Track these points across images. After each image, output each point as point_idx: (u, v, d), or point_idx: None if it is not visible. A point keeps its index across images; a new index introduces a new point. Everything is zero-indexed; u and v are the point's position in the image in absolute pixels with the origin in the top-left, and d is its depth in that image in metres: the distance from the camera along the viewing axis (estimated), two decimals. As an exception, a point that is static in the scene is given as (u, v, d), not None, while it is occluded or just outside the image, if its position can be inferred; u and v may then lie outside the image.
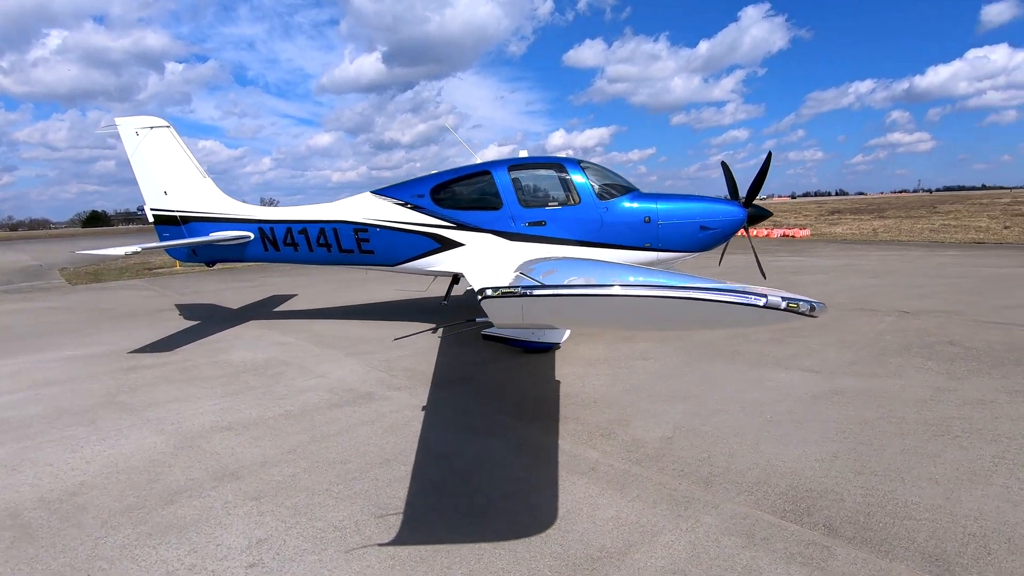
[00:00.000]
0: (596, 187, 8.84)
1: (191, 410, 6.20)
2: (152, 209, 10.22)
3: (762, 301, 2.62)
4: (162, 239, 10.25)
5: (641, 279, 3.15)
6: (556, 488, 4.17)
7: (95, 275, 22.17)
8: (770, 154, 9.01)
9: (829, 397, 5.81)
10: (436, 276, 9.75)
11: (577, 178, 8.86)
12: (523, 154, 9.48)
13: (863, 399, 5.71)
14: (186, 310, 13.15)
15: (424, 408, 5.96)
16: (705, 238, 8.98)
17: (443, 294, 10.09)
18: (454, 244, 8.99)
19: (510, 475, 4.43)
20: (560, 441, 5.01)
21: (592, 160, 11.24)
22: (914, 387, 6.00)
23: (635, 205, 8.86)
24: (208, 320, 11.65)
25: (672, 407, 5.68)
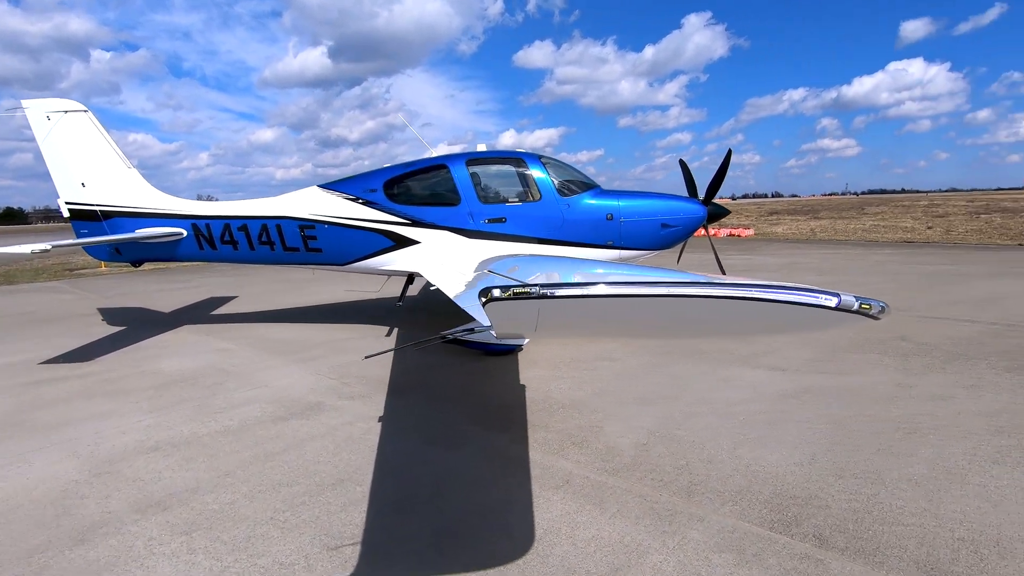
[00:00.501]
0: (557, 183, 8.57)
1: (111, 429, 5.48)
2: (67, 203, 9.19)
3: (834, 302, 2.27)
4: (79, 236, 9.23)
5: (668, 277, 2.58)
6: (531, 506, 3.83)
7: (6, 277, 20.14)
8: (730, 152, 9.02)
9: (798, 396, 5.74)
10: (390, 276, 9.22)
11: (538, 174, 8.56)
12: (481, 148, 9.10)
13: (830, 397, 5.67)
14: (110, 314, 12.00)
15: (381, 419, 5.49)
16: (666, 236, 8.88)
17: (398, 294, 9.58)
18: (409, 242, 8.50)
19: (479, 492, 4.05)
20: (531, 451, 4.67)
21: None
22: (876, 384, 6.03)
23: (597, 202, 8.65)
24: (135, 325, 10.64)
25: (644, 411, 5.46)
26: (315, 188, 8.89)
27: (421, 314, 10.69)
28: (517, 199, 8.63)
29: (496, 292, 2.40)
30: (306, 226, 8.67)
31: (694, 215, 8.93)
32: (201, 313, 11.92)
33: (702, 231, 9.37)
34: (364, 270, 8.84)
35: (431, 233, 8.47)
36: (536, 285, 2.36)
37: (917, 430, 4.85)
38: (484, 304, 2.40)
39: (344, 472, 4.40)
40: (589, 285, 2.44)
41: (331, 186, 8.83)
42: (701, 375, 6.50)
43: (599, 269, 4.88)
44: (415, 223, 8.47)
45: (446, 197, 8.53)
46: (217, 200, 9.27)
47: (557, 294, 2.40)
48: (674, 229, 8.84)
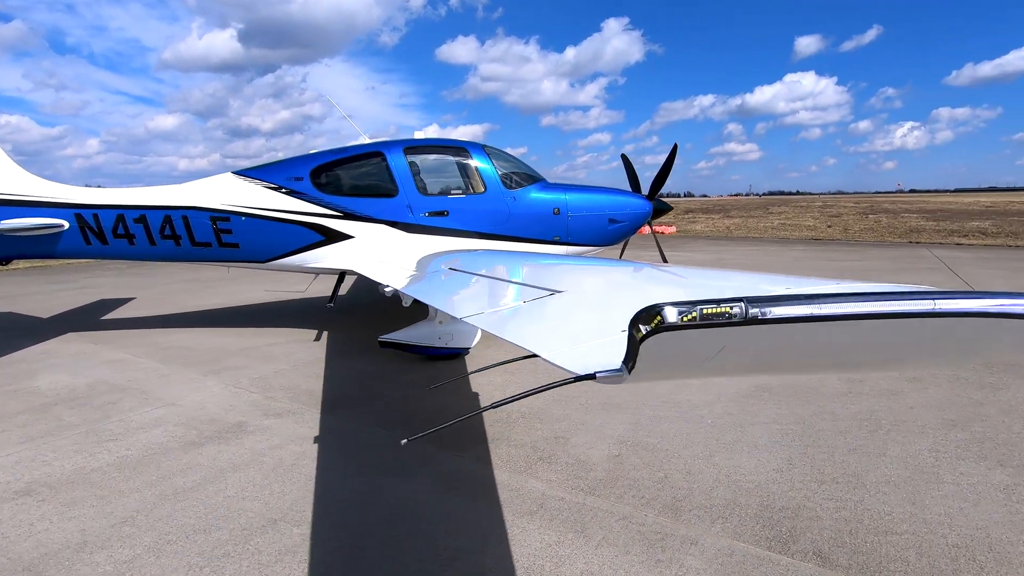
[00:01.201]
0: (503, 175, 8.09)
1: (-34, 468, 4.38)
2: (-92, 187, 7.54)
3: None
4: (-74, 227, 7.61)
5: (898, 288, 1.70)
6: (506, 539, 3.33)
7: None
8: (675, 147, 8.93)
9: (758, 395, 5.63)
10: (319, 274, 8.35)
11: (482, 164, 8.03)
12: (419, 135, 8.44)
13: (789, 395, 5.60)
14: (-28, 321, 10.14)
15: (317, 440, 4.77)
16: (614, 231, 8.66)
17: (328, 294, 8.70)
18: (341, 236, 7.69)
19: (444, 526, 3.50)
20: (496, 471, 4.17)
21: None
22: (829, 380, 6.06)
23: (544, 196, 8.26)
24: (5, 335, 9.01)
25: (609, 417, 5.11)
26: (230, 175, 7.85)
27: (354, 316, 9.85)
28: (460, 191, 8.06)
29: (670, 315, 1.43)
30: (219, 218, 7.62)
31: (640, 210, 8.77)
32: (89, 318, 10.33)
33: (646, 228, 9.26)
34: (289, 267, 7.93)
35: (366, 227, 7.71)
36: (740, 302, 1.45)
37: (879, 426, 4.83)
38: (644, 337, 1.45)
39: (277, 510, 3.68)
40: (821, 300, 1.48)
41: (249, 173, 7.83)
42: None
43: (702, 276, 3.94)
44: (347, 216, 7.68)
45: (382, 188, 7.80)
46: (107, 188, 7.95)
47: (771, 316, 1.45)
48: (621, 224, 8.63)
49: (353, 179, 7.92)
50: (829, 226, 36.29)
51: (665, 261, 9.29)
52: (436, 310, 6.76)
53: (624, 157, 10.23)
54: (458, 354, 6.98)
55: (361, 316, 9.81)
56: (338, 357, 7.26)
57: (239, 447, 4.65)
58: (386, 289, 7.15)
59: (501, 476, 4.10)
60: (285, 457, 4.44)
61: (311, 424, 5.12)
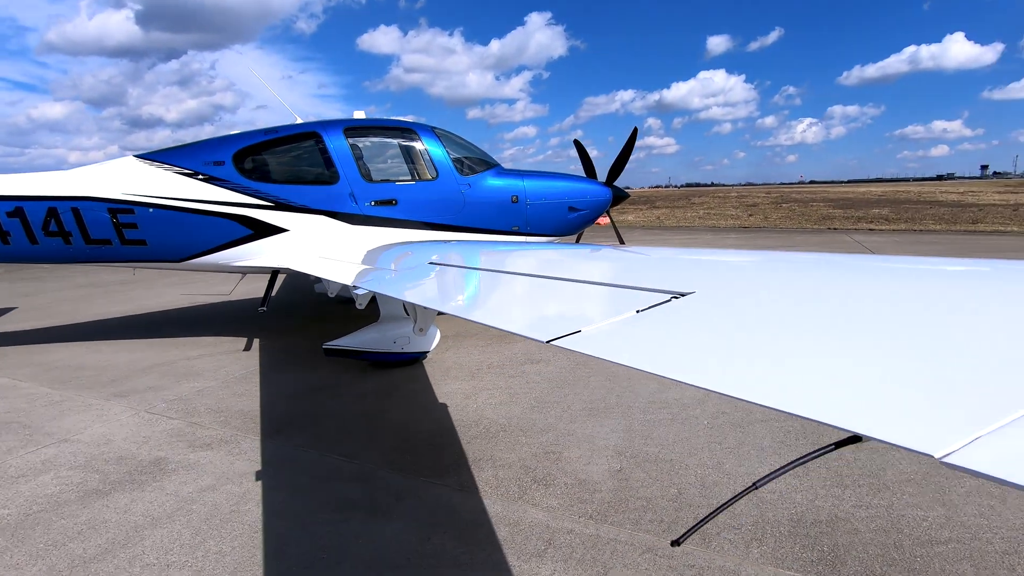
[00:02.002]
0: (455, 160, 7.38)
1: None
2: None
3: None
4: None
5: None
6: (518, 594, 2.72)
7: None
8: (635, 130, 8.56)
9: (746, 389, 5.32)
10: (247, 273, 7.29)
11: (433, 148, 7.27)
12: (359, 116, 7.54)
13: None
14: None
15: (260, 476, 3.92)
16: (573, 220, 8.18)
17: (260, 296, 7.64)
18: (273, 229, 6.70)
19: (437, 582, 2.84)
20: (486, 501, 3.54)
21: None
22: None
23: (501, 182, 7.63)
24: None
25: (599, 424, 4.60)
26: (132, 159, 6.63)
27: (292, 320, 8.79)
28: (409, 177, 7.26)
29: None
30: (121, 210, 6.40)
31: (601, 197, 8.35)
32: (-44, 333, 8.61)
33: (605, 218, 8.86)
34: (210, 267, 6.83)
35: (302, 218, 6.76)
36: None
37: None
38: None
39: (216, 579, 2.86)
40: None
41: (156, 157, 6.64)
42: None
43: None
44: (280, 206, 6.69)
45: (321, 174, 6.87)
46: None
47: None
48: (581, 213, 8.17)
49: (286, 164, 6.93)
50: (750, 215, 38.08)
51: (621, 242, 8.94)
52: (390, 312, 6.00)
53: (577, 143, 9.78)
54: (416, 359, 6.24)
55: (299, 320, 8.78)
56: (276, 369, 6.31)
57: (159, 493, 3.72)
58: (328, 289, 6.30)
59: (494, 507, 3.47)
60: (221, 502, 3.58)
61: (251, 455, 4.24)
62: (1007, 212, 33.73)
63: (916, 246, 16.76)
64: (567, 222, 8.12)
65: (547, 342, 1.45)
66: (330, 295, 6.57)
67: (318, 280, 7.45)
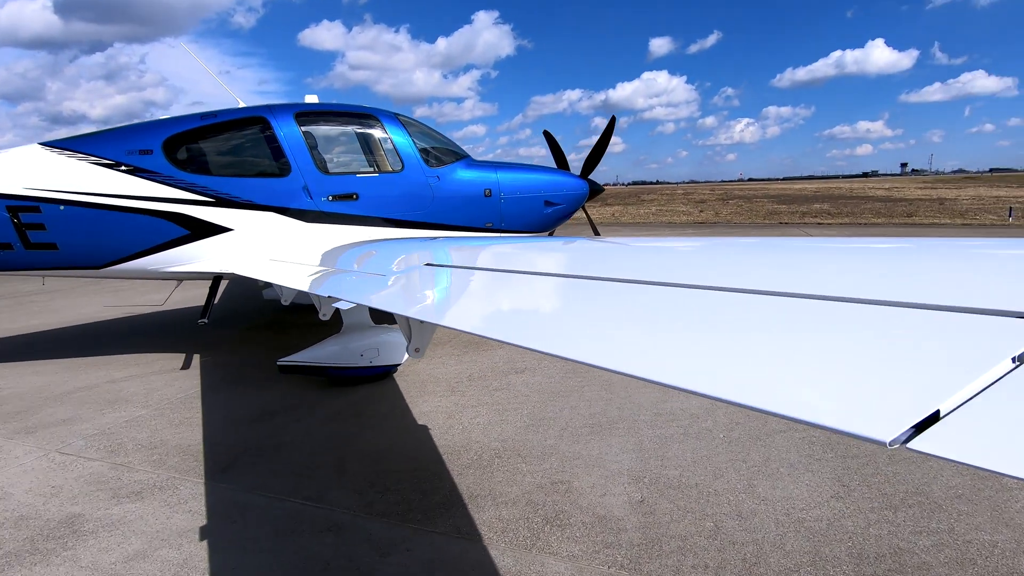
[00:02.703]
0: (423, 149, 6.69)
1: None
2: None
3: None
4: None
5: None
6: None
7: None
8: (613, 119, 8.10)
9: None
10: (184, 280, 6.35)
11: (397, 136, 6.56)
12: (311, 100, 6.72)
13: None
14: None
15: (207, 534, 3.15)
16: (550, 215, 7.64)
17: (201, 306, 6.71)
18: (214, 229, 5.81)
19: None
20: (492, 550, 2.92)
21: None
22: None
23: (473, 174, 7.00)
24: None
25: (605, 443, 4.06)
26: (36, 147, 5.60)
27: (238, 329, 7.83)
28: (371, 169, 6.53)
29: None
30: (23, 207, 5.37)
31: (578, 191, 7.85)
32: None
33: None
34: (139, 274, 5.88)
35: (248, 216, 5.90)
36: None
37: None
38: None
39: None
40: None
41: (67, 145, 5.63)
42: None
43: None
44: (221, 201, 5.81)
45: (269, 165, 6.04)
46: None
47: None
48: (558, 208, 7.64)
49: (228, 153, 6.05)
50: (701, 211, 38.85)
51: (597, 234, 8.49)
52: (355, 321, 5.27)
53: (547, 134, 9.26)
54: (387, 373, 5.54)
55: (247, 331, 7.83)
56: (221, 390, 5.45)
57: (70, 567, 2.90)
58: (282, 295, 5.52)
59: (504, 559, 2.86)
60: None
61: (192, 504, 3.45)
62: (934, 206, 35.81)
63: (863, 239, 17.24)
64: (543, 217, 7.57)
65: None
66: (283, 302, 5.77)
67: (268, 285, 6.60)
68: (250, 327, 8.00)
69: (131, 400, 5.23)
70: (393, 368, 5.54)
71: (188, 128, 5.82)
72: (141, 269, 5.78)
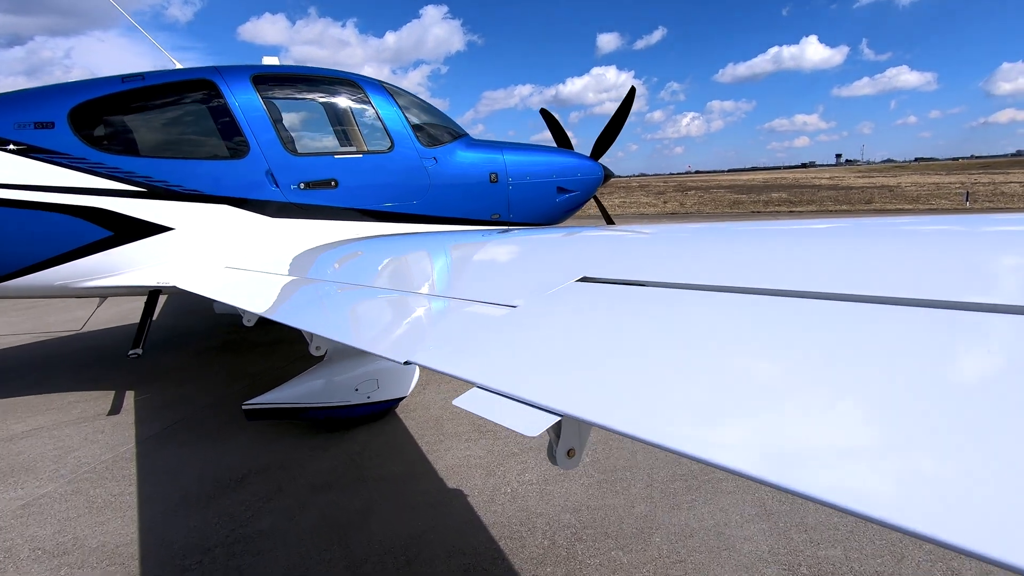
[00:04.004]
0: (416, 126, 5.42)
1: None
2: None
3: None
4: None
5: None
6: None
7: None
8: (632, 90, 6.98)
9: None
10: (108, 296, 4.88)
11: (385, 108, 5.26)
12: (271, 62, 5.32)
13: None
14: None
15: None
16: (562, 205, 6.51)
17: (131, 332, 5.23)
18: (147, 229, 4.37)
19: None
20: None
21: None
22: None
23: (476, 156, 5.79)
24: None
25: (718, 510, 2.97)
26: None
27: (185, 352, 6.33)
28: (353, 148, 5.21)
29: None
30: None
31: (593, 175, 6.75)
32: None
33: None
34: (42, 291, 4.37)
35: (194, 210, 4.49)
36: None
37: None
38: None
39: None
40: None
41: (-74, 116, 4.06)
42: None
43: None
44: (157, 192, 4.37)
45: (220, 144, 4.63)
46: None
47: None
48: (571, 195, 6.52)
49: (164, 128, 4.60)
50: (665, 202, 38.69)
51: (610, 222, 7.42)
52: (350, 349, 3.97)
53: (545, 112, 8.12)
54: (388, 409, 4.29)
55: (197, 355, 6.33)
56: (165, 447, 4.05)
57: None
58: (244, 316, 4.19)
59: None
60: None
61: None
62: (885, 193, 36.86)
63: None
64: (555, 206, 6.44)
65: None
66: (246, 323, 4.41)
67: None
68: (200, 350, 6.50)
69: (33, 468, 3.76)
70: (397, 402, 4.30)
71: (105, 94, 4.33)
72: (45, 285, 4.28)
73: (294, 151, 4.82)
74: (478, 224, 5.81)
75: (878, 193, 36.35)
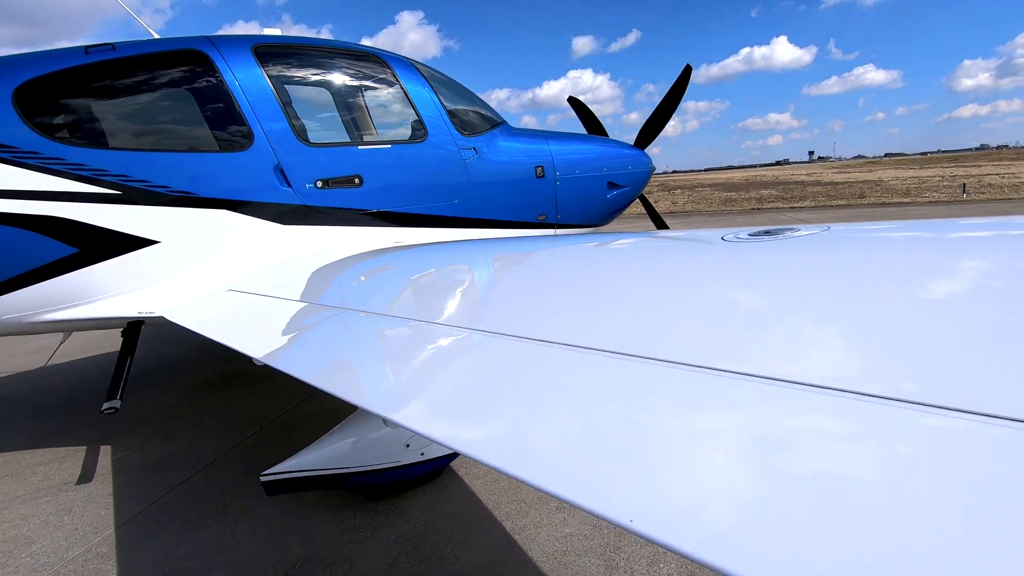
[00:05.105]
0: (452, 111, 4.49)
1: None
2: None
3: None
4: None
5: None
6: None
7: None
8: (688, 67, 6.12)
9: None
10: (73, 331, 3.86)
11: (416, 89, 4.32)
12: (272, 32, 4.34)
13: None
14: None
15: None
16: (612, 203, 5.65)
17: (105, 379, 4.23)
18: (122, 242, 3.36)
19: None
20: None
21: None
22: None
23: (519, 145, 4.90)
24: None
25: None
26: None
27: (171, 391, 5.28)
28: (381, 138, 4.28)
29: None
30: None
31: (644, 168, 5.90)
32: None
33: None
34: (-15, 328, 3.35)
35: (183, 218, 3.49)
36: None
37: None
38: None
39: None
40: None
41: None
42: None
43: None
44: (133, 194, 3.36)
45: (216, 132, 3.65)
46: None
47: None
48: (622, 191, 5.65)
49: (141, 114, 3.61)
50: (656, 202, 38.24)
51: (664, 227, 6.52)
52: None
53: (574, 100, 7.26)
54: (445, 465, 3.36)
55: (184, 395, 5.28)
56: (154, 532, 3.05)
57: None
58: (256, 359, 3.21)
59: None
60: None
61: None
62: (873, 187, 36.93)
63: (852, 219, 16.40)
64: (604, 205, 5.57)
65: None
66: (256, 362, 3.43)
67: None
68: (190, 385, 5.46)
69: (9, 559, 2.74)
70: (454, 456, 3.37)
71: (64, 68, 3.32)
72: (-10, 319, 3.26)
73: (308, 141, 3.86)
74: (523, 228, 4.91)
75: (868, 187, 36.36)
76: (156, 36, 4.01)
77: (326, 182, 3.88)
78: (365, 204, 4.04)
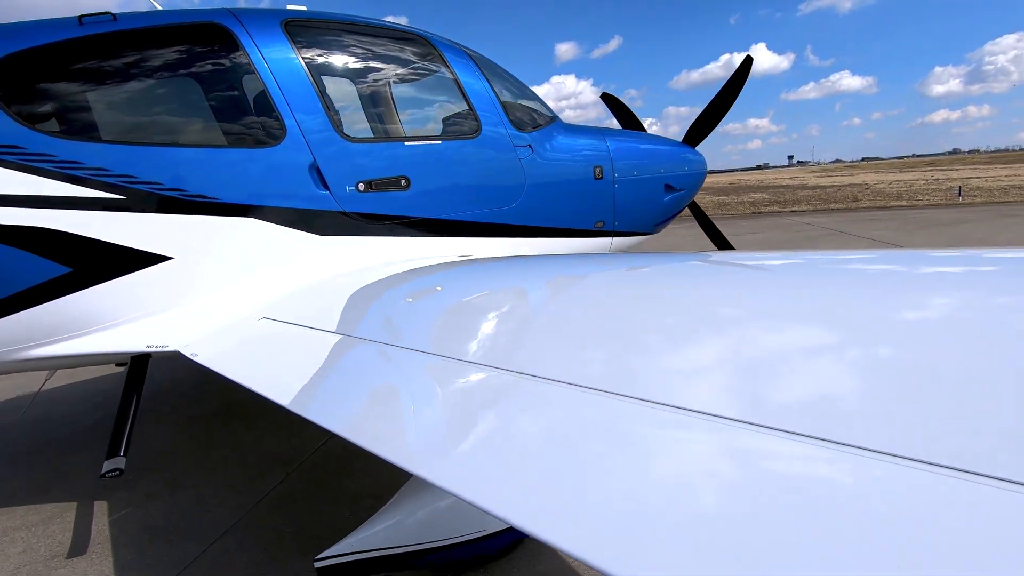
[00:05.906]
0: (505, 104, 3.89)
1: None
2: None
3: None
4: None
5: None
6: None
7: None
8: (749, 59, 5.59)
9: None
10: (66, 368, 3.19)
11: (467, 77, 3.72)
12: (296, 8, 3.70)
13: None
14: None
15: None
16: (667, 208, 5.11)
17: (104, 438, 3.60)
18: (127, 259, 2.70)
19: None
20: None
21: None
22: None
23: (577, 143, 4.33)
24: None
25: None
26: None
27: (169, 424, 4.57)
28: (429, 132, 3.67)
29: None
30: None
31: (699, 168, 5.39)
32: None
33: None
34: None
35: (202, 228, 2.85)
36: None
37: None
38: None
39: None
40: None
41: None
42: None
43: None
44: (138, 199, 2.71)
45: (240, 123, 3.03)
46: None
47: None
48: (677, 195, 5.11)
49: (149, 100, 2.96)
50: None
51: (728, 247, 5.96)
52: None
53: (607, 96, 6.71)
54: (517, 541, 2.75)
55: (188, 439, 4.56)
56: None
57: None
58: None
59: None
60: None
61: None
62: (862, 191, 37.13)
63: (860, 223, 16.13)
64: (660, 210, 5.02)
65: None
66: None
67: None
68: (195, 416, 4.75)
69: None
70: (520, 538, 2.75)
71: (53, 41, 2.66)
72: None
73: (348, 136, 3.23)
74: (579, 236, 4.34)
75: (858, 191, 36.51)
76: (159, 7, 3.35)
77: (369, 184, 3.26)
78: (413, 211, 3.43)
